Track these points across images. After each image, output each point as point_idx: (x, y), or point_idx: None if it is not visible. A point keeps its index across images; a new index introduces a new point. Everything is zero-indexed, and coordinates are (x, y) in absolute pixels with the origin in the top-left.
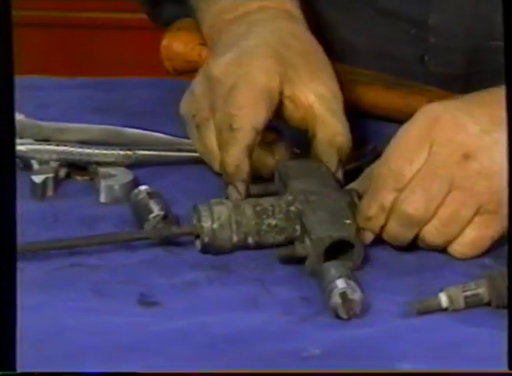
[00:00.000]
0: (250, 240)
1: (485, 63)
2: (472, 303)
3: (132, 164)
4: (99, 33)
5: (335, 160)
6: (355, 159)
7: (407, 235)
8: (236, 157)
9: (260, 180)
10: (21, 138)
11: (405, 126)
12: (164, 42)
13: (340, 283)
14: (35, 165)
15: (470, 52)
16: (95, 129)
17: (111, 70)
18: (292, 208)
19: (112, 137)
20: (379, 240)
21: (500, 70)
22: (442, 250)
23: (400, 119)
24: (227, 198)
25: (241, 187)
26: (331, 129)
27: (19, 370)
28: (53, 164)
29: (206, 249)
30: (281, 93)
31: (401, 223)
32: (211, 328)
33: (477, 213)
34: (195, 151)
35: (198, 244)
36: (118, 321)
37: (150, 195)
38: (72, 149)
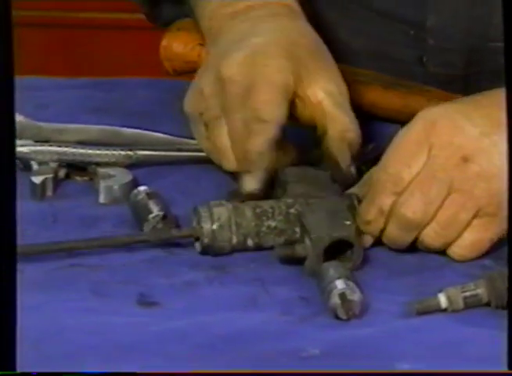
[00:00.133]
0: (250, 242)
1: (484, 63)
2: (471, 304)
3: (132, 165)
4: (98, 33)
5: (348, 155)
6: (355, 159)
7: (406, 238)
8: (261, 146)
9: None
10: (21, 139)
11: (404, 130)
12: (164, 43)
13: (340, 284)
14: (35, 166)
15: (468, 53)
16: (95, 130)
17: (110, 70)
18: (292, 210)
19: (111, 137)
20: (378, 243)
21: (499, 71)
22: (442, 252)
23: (399, 119)
24: (231, 196)
25: (260, 176)
26: (341, 125)
27: (19, 370)
28: (52, 165)
29: (206, 251)
30: (294, 92)
31: (400, 227)
32: (211, 328)
33: (476, 216)
34: (195, 151)
35: (198, 246)
36: (118, 321)
37: (150, 195)
38: (72, 150)
